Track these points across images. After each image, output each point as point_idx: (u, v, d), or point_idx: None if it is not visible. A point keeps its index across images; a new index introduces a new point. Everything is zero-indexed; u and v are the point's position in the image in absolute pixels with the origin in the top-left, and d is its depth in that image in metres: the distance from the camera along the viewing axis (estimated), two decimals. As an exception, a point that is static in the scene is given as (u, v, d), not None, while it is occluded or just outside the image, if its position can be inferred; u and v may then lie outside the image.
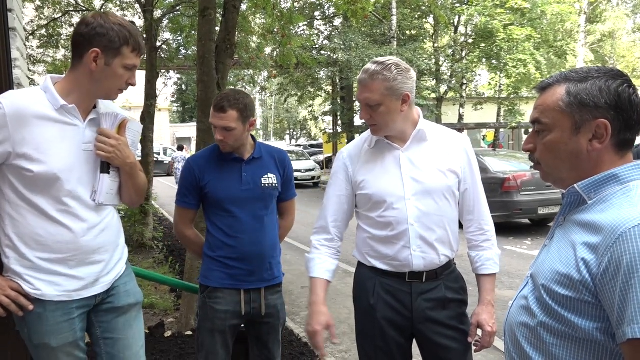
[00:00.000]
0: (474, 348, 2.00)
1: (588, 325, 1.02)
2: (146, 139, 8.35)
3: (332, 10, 18.38)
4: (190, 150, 23.61)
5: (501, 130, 23.60)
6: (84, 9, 10.53)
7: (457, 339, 1.95)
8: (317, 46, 19.62)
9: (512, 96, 19.55)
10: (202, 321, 2.35)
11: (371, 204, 1.96)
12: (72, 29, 11.34)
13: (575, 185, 1.13)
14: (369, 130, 2.05)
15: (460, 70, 19.37)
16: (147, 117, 8.34)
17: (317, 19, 20.92)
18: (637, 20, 28.66)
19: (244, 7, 8.30)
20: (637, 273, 0.92)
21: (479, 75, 23.54)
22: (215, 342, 2.31)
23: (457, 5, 19.35)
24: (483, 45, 18.30)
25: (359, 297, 2.05)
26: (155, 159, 10.44)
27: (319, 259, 2.03)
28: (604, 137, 1.08)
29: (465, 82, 20.64)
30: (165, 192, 16.71)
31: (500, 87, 20.77)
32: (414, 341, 2.03)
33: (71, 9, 10.62)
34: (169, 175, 21.24)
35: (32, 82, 7.02)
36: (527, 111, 19.07)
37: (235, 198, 2.30)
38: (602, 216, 1.05)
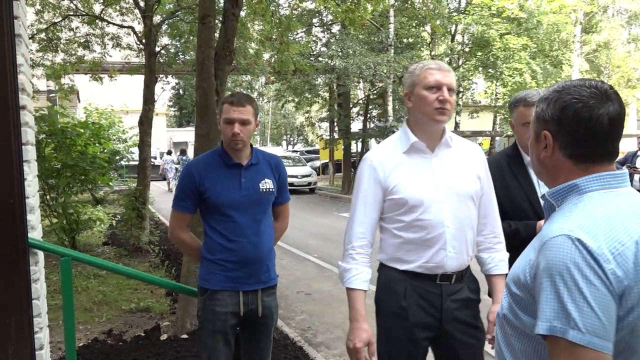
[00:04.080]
0: (489, 345, 2.08)
1: (531, 321, 1.12)
2: (144, 143, 8.38)
3: (330, 17, 18.47)
4: (187, 155, 23.58)
5: (497, 138, 23.72)
6: (84, 13, 10.60)
7: (475, 335, 2.06)
8: (314, 53, 19.68)
9: (508, 104, 19.65)
10: (204, 323, 2.41)
11: (406, 207, 1.98)
12: (71, 33, 11.41)
13: (545, 193, 1.25)
14: (394, 135, 2.12)
15: (456, 78, 19.43)
16: (145, 122, 8.39)
17: (315, 26, 20.99)
18: (632, 31, 28.90)
19: (242, 13, 8.37)
20: (547, 277, 1.05)
21: (475, 83, 23.63)
22: (218, 341, 2.37)
23: (454, 14, 19.48)
24: (479, 54, 18.40)
25: (385, 301, 2.04)
26: (152, 163, 10.45)
27: (356, 270, 2.00)
28: (547, 147, 1.20)
29: (461, 90, 20.73)
30: (161, 196, 16.70)
31: (496, 95, 20.86)
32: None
33: (71, 13, 10.68)
34: (164, 179, 21.29)
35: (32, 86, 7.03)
36: (522, 120, 19.02)
37: (235, 203, 2.35)
38: (548, 224, 1.17)
